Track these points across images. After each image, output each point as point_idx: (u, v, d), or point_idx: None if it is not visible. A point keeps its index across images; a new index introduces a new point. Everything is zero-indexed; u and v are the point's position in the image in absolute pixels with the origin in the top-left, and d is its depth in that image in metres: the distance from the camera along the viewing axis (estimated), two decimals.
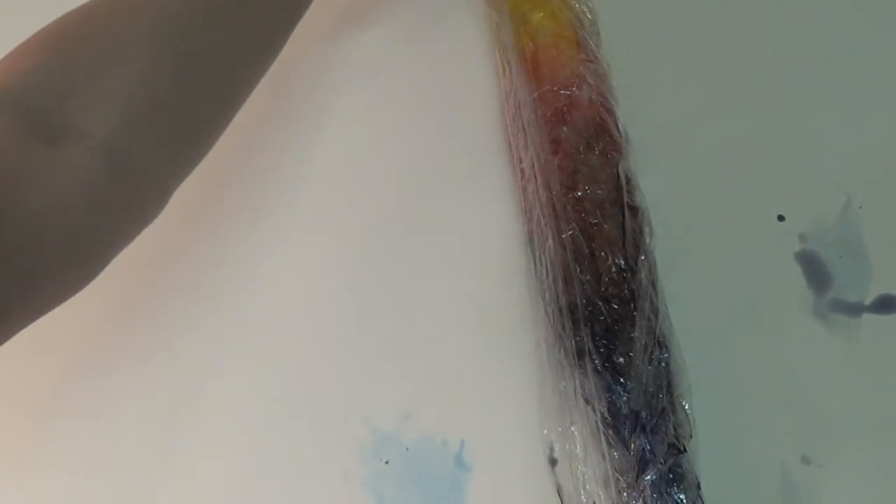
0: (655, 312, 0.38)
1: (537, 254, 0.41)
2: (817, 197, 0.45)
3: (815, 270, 0.42)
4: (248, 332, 0.42)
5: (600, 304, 0.38)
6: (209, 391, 0.41)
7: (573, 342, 0.38)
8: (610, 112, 0.43)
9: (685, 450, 0.36)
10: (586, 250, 0.39)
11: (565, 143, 0.42)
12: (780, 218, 0.44)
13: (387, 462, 0.39)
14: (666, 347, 0.38)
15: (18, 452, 0.40)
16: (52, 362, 0.41)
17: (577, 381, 0.38)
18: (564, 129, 0.42)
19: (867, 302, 0.41)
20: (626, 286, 0.38)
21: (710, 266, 0.42)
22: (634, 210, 0.40)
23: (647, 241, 0.40)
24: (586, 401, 0.37)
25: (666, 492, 0.35)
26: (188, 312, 0.43)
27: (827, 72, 0.49)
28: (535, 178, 0.42)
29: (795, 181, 0.45)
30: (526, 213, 0.43)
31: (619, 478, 0.35)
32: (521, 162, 0.44)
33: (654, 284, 0.39)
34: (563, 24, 0.45)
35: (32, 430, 0.40)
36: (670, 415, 0.36)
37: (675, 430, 0.36)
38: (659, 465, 0.35)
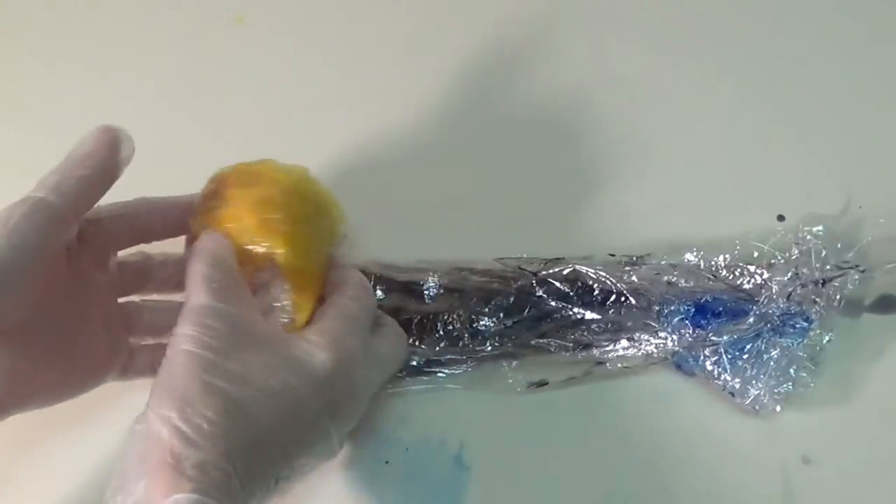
0: None
1: None
2: (817, 197, 0.45)
3: None
4: None
5: None
6: None
7: None
8: None
9: None
10: None
11: None
12: (780, 218, 0.44)
13: (387, 462, 0.39)
14: None
15: None
16: None
17: None
18: None
19: (867, 302, 0.41)
20: None
21: None
22: None
23: None
24: None
25: None
26: None
27: (827, 72, 0.49)
28: None
29: (795, 181, 0.45)
30: None
31: None
32: None
33: None
34: None
35: None
36: None
37: None
38: None
